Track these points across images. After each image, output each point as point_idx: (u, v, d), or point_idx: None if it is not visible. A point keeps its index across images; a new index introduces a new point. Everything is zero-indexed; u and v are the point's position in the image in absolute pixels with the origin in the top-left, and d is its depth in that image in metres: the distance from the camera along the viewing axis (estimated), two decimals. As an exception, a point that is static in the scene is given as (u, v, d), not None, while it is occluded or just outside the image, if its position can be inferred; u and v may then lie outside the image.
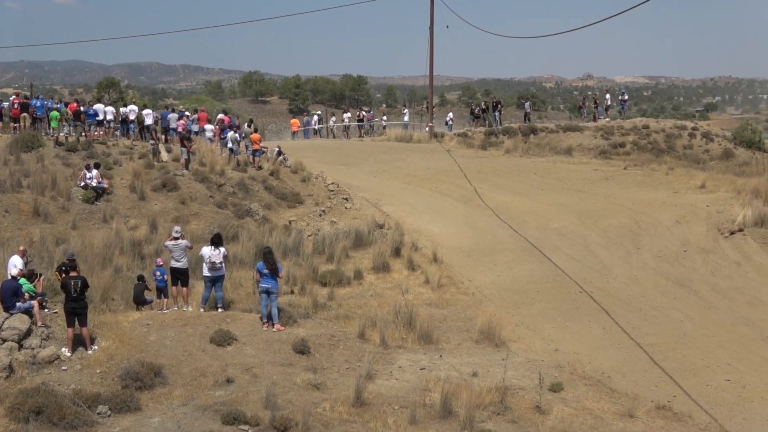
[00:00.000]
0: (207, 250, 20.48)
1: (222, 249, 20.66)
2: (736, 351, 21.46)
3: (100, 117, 40.98)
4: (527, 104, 68.12)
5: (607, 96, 69.29)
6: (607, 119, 63.35)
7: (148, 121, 41.94)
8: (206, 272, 20.54)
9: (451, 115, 66.42)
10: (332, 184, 38.61)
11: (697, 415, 16.97)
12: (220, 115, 45.20)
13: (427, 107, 60.35)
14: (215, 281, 20.60)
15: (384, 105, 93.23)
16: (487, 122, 60.69)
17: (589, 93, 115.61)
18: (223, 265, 20.73)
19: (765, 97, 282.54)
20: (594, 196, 38.41)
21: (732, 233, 30.91)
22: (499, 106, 61.78)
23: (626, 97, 69.59)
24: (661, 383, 19.28)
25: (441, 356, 19.07)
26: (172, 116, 42.15)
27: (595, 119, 63.16)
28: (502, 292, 25.91)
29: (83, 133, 39.72)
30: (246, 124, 44.26)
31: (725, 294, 25.91)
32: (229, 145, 39.29)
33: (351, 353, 18.69)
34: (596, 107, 65.11)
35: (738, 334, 22.73)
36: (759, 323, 23.46)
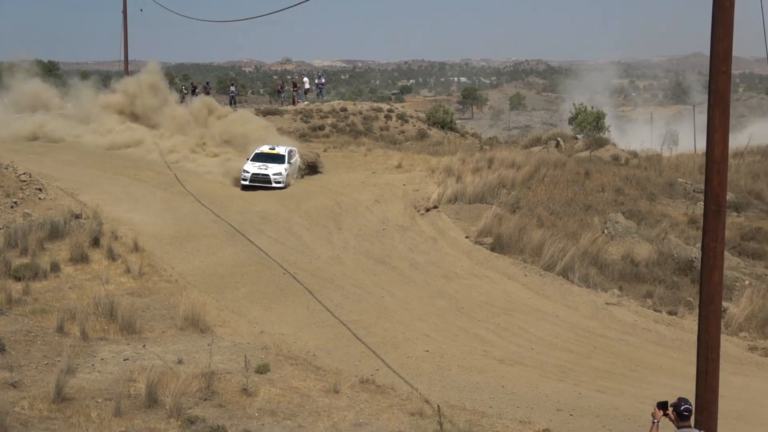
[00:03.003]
0: None
1: None
2: (434, 323, 22.48)
3: None
4: (233, 88, 67.73)
5: (305, 80, 70.22)
6: (306, 103, 64.33)
7: None
8: None
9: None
10: (24, 174, 36.51)
11: (399, 386, 17.56)
12: None
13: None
14: None
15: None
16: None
17: (288, 77, 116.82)
18: None
19: (456, 79, 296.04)
20: (295, 179, 38.89)
21: (428, 210, 32.32)
22: (202, 89, 61.12)
23: (323, 81, 70.75)
24: (365, 358, 19.85)
25: (144, 346, 18.59)
26: None
27: (294, 103, 63.94)
28: (206, 278, 25.67)
29: None
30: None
31: (422, 269, 27.05)
32: None
33: (50, 348, 17.80)
34: (295, 91, 65.92)
35: (435, 306, 23.82)
36: (454, 295, 24.70)
